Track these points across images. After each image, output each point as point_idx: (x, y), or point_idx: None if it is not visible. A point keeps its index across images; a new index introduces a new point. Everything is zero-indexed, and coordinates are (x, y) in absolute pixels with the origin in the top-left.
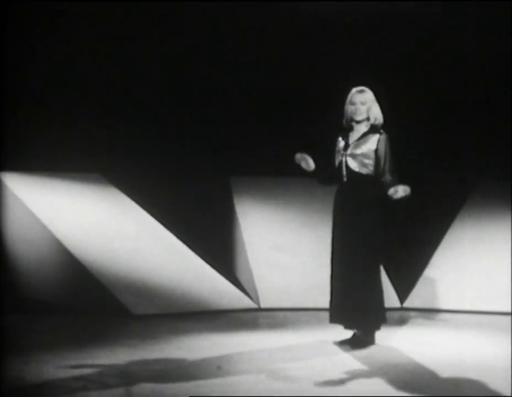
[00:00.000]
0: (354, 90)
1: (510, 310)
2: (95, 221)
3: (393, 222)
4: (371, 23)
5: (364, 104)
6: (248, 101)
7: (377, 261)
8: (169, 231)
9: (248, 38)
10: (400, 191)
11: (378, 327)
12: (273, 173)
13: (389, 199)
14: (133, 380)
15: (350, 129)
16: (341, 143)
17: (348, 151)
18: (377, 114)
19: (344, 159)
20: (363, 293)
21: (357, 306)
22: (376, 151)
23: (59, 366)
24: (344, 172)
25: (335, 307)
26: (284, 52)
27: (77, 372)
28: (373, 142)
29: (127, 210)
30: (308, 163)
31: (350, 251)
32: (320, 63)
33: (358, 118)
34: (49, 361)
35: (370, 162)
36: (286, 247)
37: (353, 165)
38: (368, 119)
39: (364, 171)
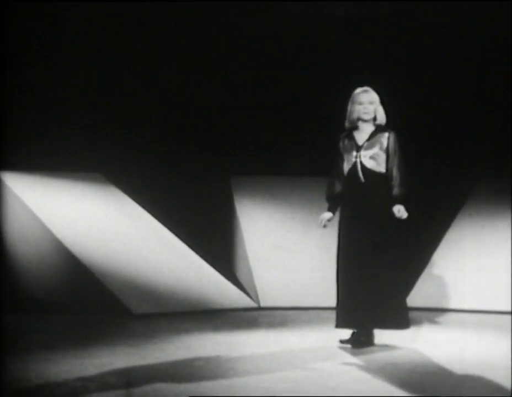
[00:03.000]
0: (359, 89)
1: (510, 309)
2: (95, 221)
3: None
4: (372, 23)
5: (372, 103)
6: (248, 101)
7: (397, 260)
8: (169, 231)
9: (248, 39)
10: (402, 212)
11: (404, 327)
12: (273, 173)
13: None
14: (133, 380)
15: (354, 129)
16: (348, 143)
17: (362, 152)
18: (382, 114)
19: (358, 160)
20: (385, 293)
21: (376, 305)
22: (387, 149)
23: (59, 366)
24: (360, 173)
25: (343, 310)
26: (285, 52)
27: (77, 372)
28: (384, 141)
29: (127, 209)
30: (330, 217)
31: (369, 251)
32: (321, 63)
33: (367, 117)
34: (50, 361)
35: (383, 160)
36: (286, 246)
37: (370, 164)
38: (374, 119)
39: (379, 169)
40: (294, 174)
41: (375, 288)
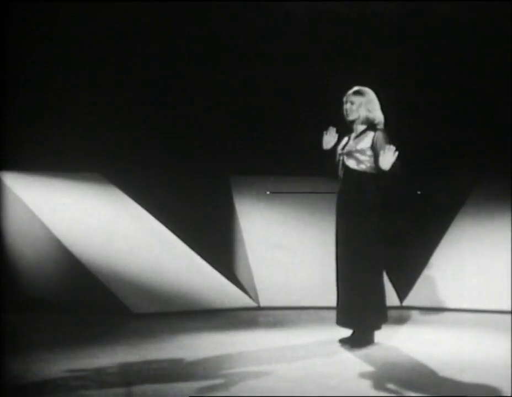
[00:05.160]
0: (350, 90)
1: (509, 309)
2: (95, 221)
3: (393, 221)
4: (372, 23)
5: (353, 104)
6: (248, 101)
7: (375, 259)
8: (169, 230)
9: (248, 38)
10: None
11: (378, 326)
12: (273, 173)
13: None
14: (133, 380)
15: (351, 128)
16: (342, 142)
17: (345, 150)
18: (375, 114)
19: (341, 158)
20: (362, 292)
21: (357, 305)
22: (372, 148)
23: (59, 366)
24: (340, 170)
25: (341, 309)
26: (285, 51)
27: (77, 372)
28: (368, 139)
29: (127, 209)
30: (330, 141)
31: (348, 250)
32: (321, 62)
33: (349, 118)
34: (49, 361)
35: (366, 159)
36: (286, 246)
37: (350, 162)
38: (359, 118)
39: (361, 168)
40: (294, 174)
41: (345, 288)
